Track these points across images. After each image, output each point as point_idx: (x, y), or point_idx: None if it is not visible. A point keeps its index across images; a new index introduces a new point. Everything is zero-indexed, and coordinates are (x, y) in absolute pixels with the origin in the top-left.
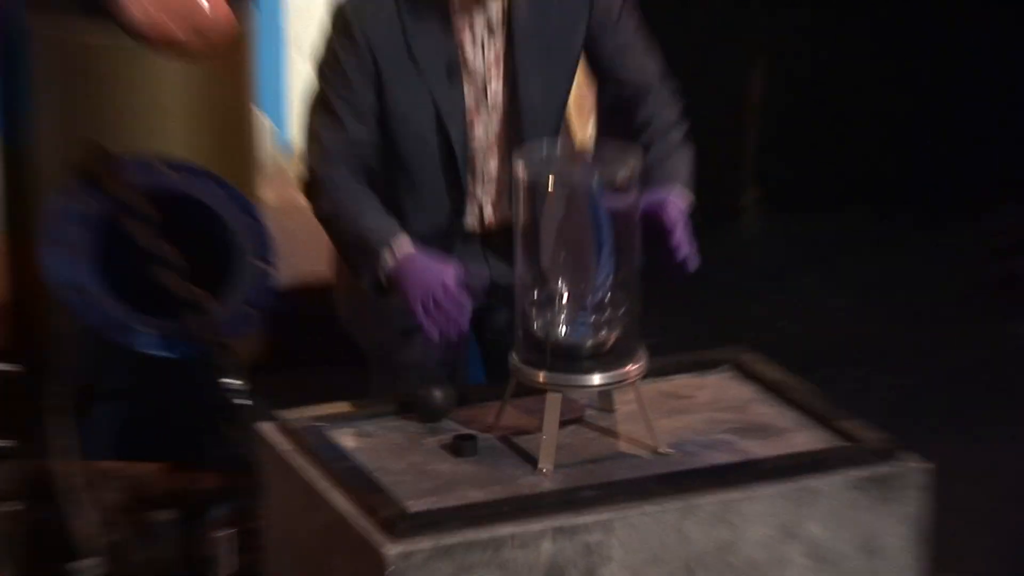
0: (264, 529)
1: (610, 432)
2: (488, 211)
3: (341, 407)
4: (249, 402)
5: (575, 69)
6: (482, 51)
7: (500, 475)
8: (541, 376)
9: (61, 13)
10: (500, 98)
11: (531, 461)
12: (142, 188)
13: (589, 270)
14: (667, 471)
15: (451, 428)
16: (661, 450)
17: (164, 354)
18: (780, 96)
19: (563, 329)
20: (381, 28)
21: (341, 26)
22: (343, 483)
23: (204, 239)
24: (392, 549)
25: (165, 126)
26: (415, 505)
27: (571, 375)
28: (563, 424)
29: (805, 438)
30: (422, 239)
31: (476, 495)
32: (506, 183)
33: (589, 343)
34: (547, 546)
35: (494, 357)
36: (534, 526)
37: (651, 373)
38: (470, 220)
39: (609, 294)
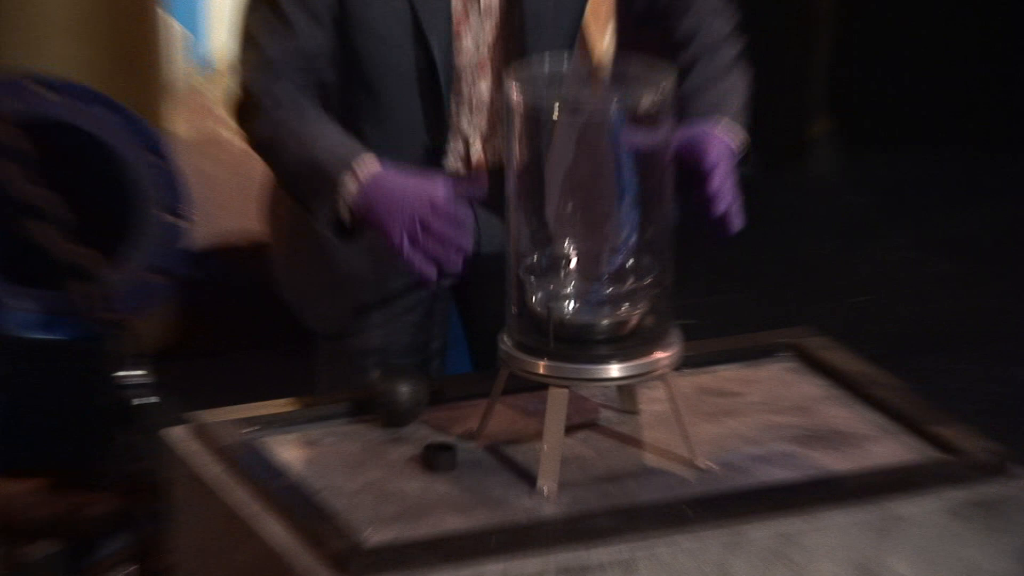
0: (173, 567)
1: (633, 441)
2: (476, 148)
3: (277, 406)
4: (154, 400)
5: None
6: None
7: (487, 497)
8: (542, 366)
9: None
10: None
11: (528, 478)
12: (12, 116)
13: (606, 227)
14: (708, 492)
15: (423, 435)
16: (700, 464)
17: (42, 336)
18: (858, 2)
19: (571, 304)
20: None
21: None
22: (279, 507)
23: (95, 184)
24: None
25: (44, 35)
26: (374, 536)
27: (581, 365)
28: (570, 430)
29: (889, 449)
30: None
31: (455, 523)
32: (500, 112)
33: (605, 323)
34: None
35: (483, 340)
36: (531, 564)
37: (687, 363)
38: (453, 160)
39: (632, 259)
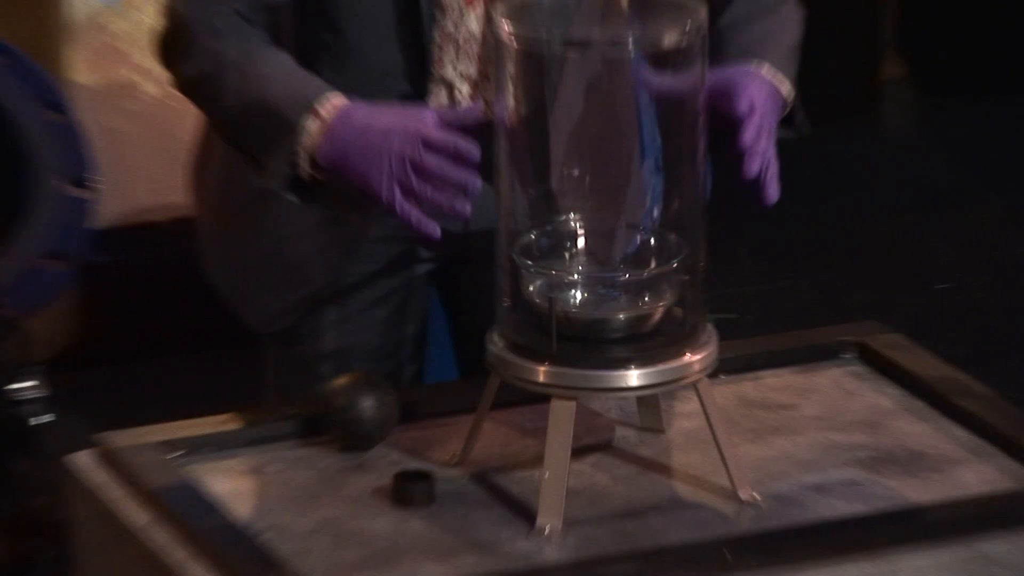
0: None
1: (657, 466)
2: (463, 97)
3: (209, 425)
4: (50, 417)
5: None
6: None
7: (473, 539)
8: (542, 372)
9: None
10: None
11: (525, 515)
12: None
13: (622, 197)
14: (752, 531)
15: (392, 460)
16: (743, 496)
17: None
18: None
19: (578, 294)
20: None
21: None
22: (212, 553)
23: None
24: None
25: None
26: None
27: (591, 371)
28: (578, 453)
29: (979, 474)
30: None
31: (433, 571)
32: (492, 54)
33: (621, 317)
34: None
35: (472, 340)
36: None
37: (725, 368)
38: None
39: (655, 237)
